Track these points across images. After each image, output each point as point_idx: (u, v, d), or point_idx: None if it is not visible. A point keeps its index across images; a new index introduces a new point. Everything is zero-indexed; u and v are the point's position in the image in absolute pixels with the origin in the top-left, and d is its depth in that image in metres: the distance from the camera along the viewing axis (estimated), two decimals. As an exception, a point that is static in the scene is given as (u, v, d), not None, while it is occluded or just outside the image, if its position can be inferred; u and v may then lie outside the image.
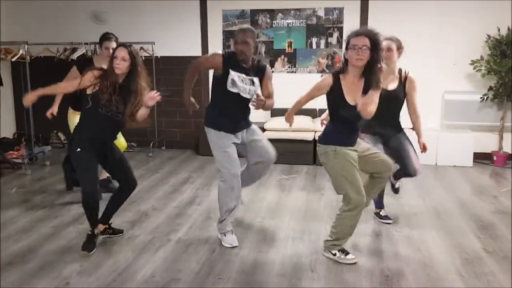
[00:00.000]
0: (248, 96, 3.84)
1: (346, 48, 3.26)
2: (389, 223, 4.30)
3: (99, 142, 3.68)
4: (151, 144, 7.32)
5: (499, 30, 6.22)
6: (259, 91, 3.92)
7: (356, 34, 3.23)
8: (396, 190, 4.59)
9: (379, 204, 4.43)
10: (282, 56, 7.11)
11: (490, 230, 4.19)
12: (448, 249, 3.78)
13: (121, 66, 3.54)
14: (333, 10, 6.90)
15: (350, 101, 3.27)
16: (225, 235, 3.88)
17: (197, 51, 7.38)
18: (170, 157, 7.13)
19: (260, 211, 4.70)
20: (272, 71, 6.89)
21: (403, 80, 4.01)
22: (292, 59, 7.11)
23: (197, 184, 5.68)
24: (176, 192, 5.37)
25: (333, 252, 3.56)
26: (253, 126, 4.05)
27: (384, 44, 3.71)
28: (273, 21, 7.08)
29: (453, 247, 3.81)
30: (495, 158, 6.41)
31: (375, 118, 3.24)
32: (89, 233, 3.75)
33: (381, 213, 4.40)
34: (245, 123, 3.97)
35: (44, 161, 6.73)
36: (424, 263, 3.52)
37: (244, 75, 3.78)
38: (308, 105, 6.63)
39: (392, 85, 3.97)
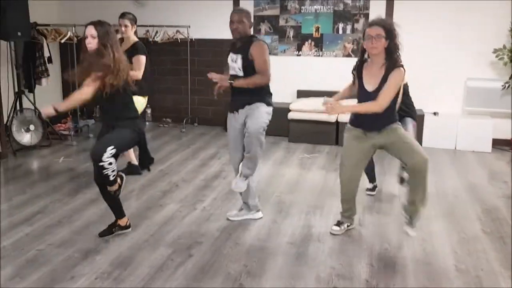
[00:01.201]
0: (234, 73, 3.89)
1: (363, 38, 3.49)
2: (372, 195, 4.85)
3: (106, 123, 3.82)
4: (184, 121, 7.85)
5: (522, 19, 6.36)
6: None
7: (370, 24, 3.47)
8: (402, 180, 4.79)
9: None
10: (309, 40, 7.44)
11: (493, 213, 4.49)
12: (448, 228, 4.13)
13: (91, 44, 3.50)
14: (360, -3, 7.15)
15: (368, 87, 3.50)
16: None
17: (229, 34, 7.71)
18: (201, 133, 7.63)
19: (279, 186, 5.14)
20: (299, 54, 7.16)
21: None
22: (319, 44, 7.43)
23: (224, 159, 6.16)
24: (205, 166, 5.87)
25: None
26: (254, 110, 3.89)
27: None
28: (302, 7, 7.39)
29: (453, 227, 4.15)
30: (512, 147, 6.62)
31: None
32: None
33: (368, 186, 4.92)
34: (242, 101, 3.93)
35: (88, 134, 7.35)
36: (423, 238, 3.90)
37: (233, 55, 3.91)
38: (333, 88, 7.03)
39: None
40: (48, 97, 7.90)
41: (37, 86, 7.20)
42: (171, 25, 7.61)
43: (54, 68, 8.03)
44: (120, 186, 3.81)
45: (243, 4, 7.59)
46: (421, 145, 6.21)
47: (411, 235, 3.72)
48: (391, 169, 5.73)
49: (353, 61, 7.26)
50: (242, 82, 3.84)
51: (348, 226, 4.02)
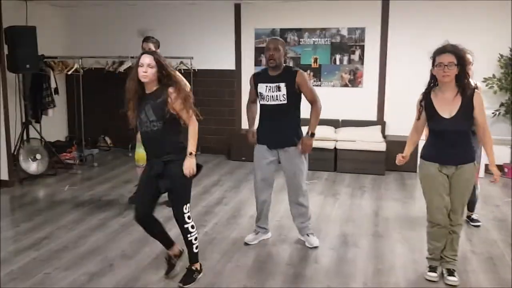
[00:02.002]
0: (275, 102, 4.04)
1: (433, 65, 3.36)
2: (478, 226, 4.79)
3: (152, 160, 3.52)
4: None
5: (511, 50, 6.62)
6: (284, 92, 4.04)
7: (441, 51, 3.30)
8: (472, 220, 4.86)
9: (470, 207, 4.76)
10: (308, 71, 7.69)
11: (483, 234, 4.64)
12: (440, 249, 4.26)
13: (148, 73, 3.33)
14: (355, 30, 7.44)
15: (444, 114, 3.36)
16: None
17: (231, 65, 8.07)
18: (204, 161, 7.74)
19: (279, 211, 5.29)
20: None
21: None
22: (318, 74, 7.69)
23: (226, 186, 6.33)
24: (207, 193, 6.04)
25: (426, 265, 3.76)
26: (292, 150, 4.13)
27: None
28: (301, 39, 7.68)
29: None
30: (506, 170, 6.78)
31: None
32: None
33: (472, 216, 4.87)
34: (281, 139, 4.13)
35: (92, 163, 7.55)
36: (414, 260, 4.04)
37: (270, 84, 4.05)
38: (331, 116, 7.24)
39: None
40: (54, 127, 8.17)
41: (43, 116, 7.42)
42: (175, 56, 7.88)
43: (61, 99, 8.30)
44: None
45: (245, 37, 7.92)
46: (416, 171, 6.39)
47: (455, 281, 3.59)
48: (387, 194, 5.90)
49: (350, 90, 7.63)
50: (314, 125, 4.11)
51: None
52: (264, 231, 4.50)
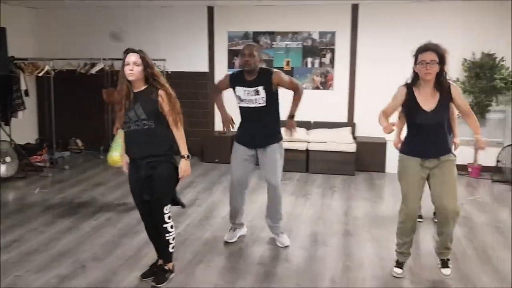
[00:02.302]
0: (254, 105, 4.14)
1: (415, 63, 3.45)
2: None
3: (138, 160, 3.49)
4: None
5: (473, 54, 6.85)
6: (263, 96, 4.11)
7: (424, 49, 3.40)
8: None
9: None
10: (281, 74, 7.79)
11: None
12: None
13: (135, 71, 3.36)
14: (326, 34, 7.58)
15: (426, 108, 3.45)
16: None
17: (204, 67, 8.11)
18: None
19: (252, 212, 5.35)
20: None
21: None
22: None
23: (199, 188, 6.38)
24: (180, 194, 6.02)
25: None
26: (271, 147, 4.23)
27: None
28: (273, 42, 7.78)
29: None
30: (470, 169, 7.01)
31: None
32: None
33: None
34: (262, 140, 4.23)
35: (63, 165, 7.48)
36: (382, 257, 4.16)
37: (248, 88, 4.13)
38: (303, 118, 7.35)
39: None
40: (24, 130, 8.07)
41: (13, 119, 7.32)
42: (147, 59, 7.87)
43: (31, 101, 8.21)
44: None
45: (218, 40, 7.98)
46: (384, 171, 6.57)
47: (447, 274, 3.70)
48: (357, 194, 6.05)
49: (322, 93, 7.75)
50: (295, 108, 4.34)
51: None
52: (240, 226, 4.59)
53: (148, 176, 3.45)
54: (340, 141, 7.17)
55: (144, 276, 3.73)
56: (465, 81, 6.82)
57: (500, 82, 6.56)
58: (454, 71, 6.97)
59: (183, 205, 3.87)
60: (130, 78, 3.37)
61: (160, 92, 3.41)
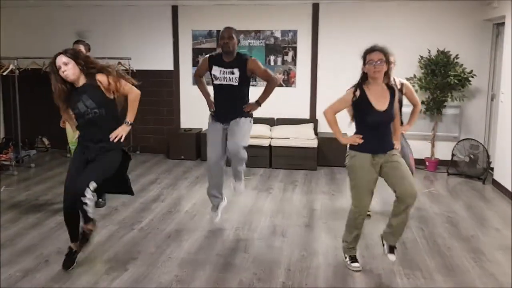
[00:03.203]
0: (227, 83, 4.40)
1: (364, 63, 3.62)
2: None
3: (90, 145, 3.68)
4: (126, 149, 8.10)
5: (429, 52, 7.16)
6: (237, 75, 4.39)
7: (371, 50, 3.59)
8: None
9: None
10: (245, 71, 7.97)
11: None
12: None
13: (67, 72, 3.50)
14: (288, 32, 7.79)
15: (378, 107, 3.61)
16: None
17: (169, 66, 8.22)
18: (143, 160, 7.94)
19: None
20: None
21: (400, 87, 4.81)
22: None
23: (163, 184, 6.50)
24: (144, 190, 6.19)
25: (345, 256, 3.99)
26: (239, 119, 4.47)
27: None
28: (237, 40, 7.93)
29: (363, 236, 4.60)
30: (427, 163, 7.31)
31: None
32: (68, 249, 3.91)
33: None
34: (233, 114, 4.48)
35: (29, 164, 7.50)
36: (336, 247, 4.37)
37: (224, 69, 4.40)
38: (267, 115, 7.54)
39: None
40: (-11, 129, 8.04)
41: (-23, 118, 7.32)
42: (113, 57, 7.95)
43: (-5, 100, 8.19)
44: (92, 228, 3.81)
45: (182, 39, 8.10)
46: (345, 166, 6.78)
47: (393, 260, 3.84)
48: (317, 188, 6.27)
49: (285, 90, 7.93)
50: (264, 97, 4.63)
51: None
52: (220, 200, 4.76)
53: (95, 158, 3.64)
54: (302, 137, 7.38)
55: (66, 267, 3.82)
56: (422, 77, 7.11)
57: (453, 79, 6.87)
58: (411, 68, 7.29)
59: (132, 193, 4.13)
60: (69, 80, 3.53)
61: (98, 77, 3.57)
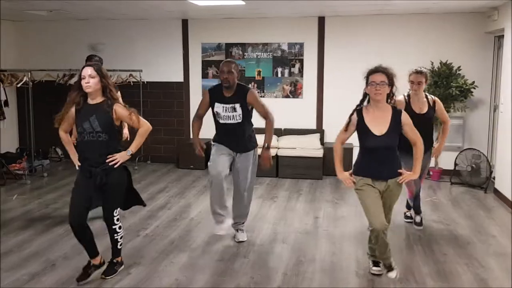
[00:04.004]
0: (231, 121, 4.42)
1: (366, 84, 3.57)
2: (419, 229, 5.05)
3: (92, 168, 3.70)
4: (136, 158, 8.33)
5: (432, 64, 7.25)
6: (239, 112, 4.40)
7: (374, 71, 3.53)
8: (418, 224, 5.16)
9: (416, 210, 5.16)
10: (252, 83, 8.15)
11: (402, 229, 5.14)
12: (356, 241, 4.72)
13: (90, 83, 3.56)
14: (295, 45, 7.96)
15: (375, 132, 3.54)
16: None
17: (179, 78, 8.44)
18: (153, 170, 8.13)
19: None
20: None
21: (432, 104, 4.81)
22: (261, 86, 8.17)
23: (172, 192, 6.67)
24: (152, 199, 6.36)
25: (369, 260, 4.04)
26: (248, 154, 4.55)
27: (415, 78, 4.70)
28: (245, 53, 8.14)
29: (360, 241, 4.67)
30: (431, 173, 7.38)
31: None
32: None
33: (407, 213, 5.34)
34: (239, 147, 4.51)
35: (42, 173, 7.73)
36: (333, 252, 4.49)
37: (226, 105, 4.40)
38: (274, 126, 7.68)
39: (424, 109, 4.75)
40: (4, 139, 8.32)
41: (-7, 128, 7.58)
42: (124, 69, 8.20)
43: (12, 112, 8.47)
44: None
45: (192, 51, 8.32)
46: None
47: (394, 277, 3.84)
48: (321, 196, 6.38)
49: (291, 101, 8.08)
50: (269, 138, 4.53)
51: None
52: (224, 217, 4.65)
53: (103, 184, 3.69)
54: (309, 147, 7.51)
55: (79, 279, 3.87)
56: (425, 89, 7.17)
57: (455, 90, 6.95)
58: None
59: (144, 204, 4.23)
60: (87, 90, 3.58)
61: (115, 107, 3.65)
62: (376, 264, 4.00)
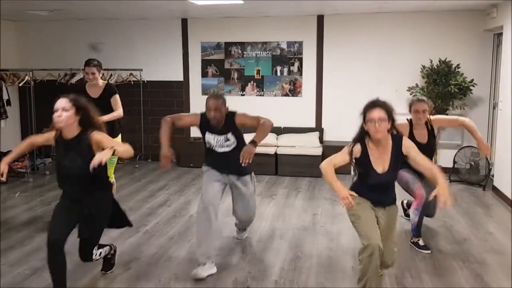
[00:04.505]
0: (224, 150, 4.16)
1: (364, 121, 3.28)
2: (428, 253, 4.46)
3: (71, 200, 3.45)
4: (137, 157, 8.40)
5: (431, 62, 7.29)
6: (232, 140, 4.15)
7: (371, 106, 3.23)
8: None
9: (416, 233, 4.58)
10: (252, 82, 8.21)
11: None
12: (353, 237, 4.72)
13: (62, 118, 3.19)
14: (294, 43, 8.01)
15: (378, 169, 3.30)
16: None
17: (179, 76, 8.50)
18: (154, 168, 8.19)
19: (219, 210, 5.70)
20: (243, 94, 7.63)
21: (431, 128, 4.56)
22: (260, 84, 8.21)
23: (171, 190, 6.73)
24: (152, 196, 6.42)
25: None
26: (246, 178, 4.30)
27: (419, 106, 4.42)
28: (244, 52, 8.19)
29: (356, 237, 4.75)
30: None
31: None
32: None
33: (419, 242, 4.57)
34: (233, 170, 4.21)
35: (44, 171, 7.80)
36: (330, 248, 4.54)
37: (219, 136, 4.14)
38: (274, 124, 7.77)
39: (424, 138, 4.52)
40: (6, 138, 8.39)
41: (-4, 127, 7.66)
42: (124, 68, 8.26)
43: (14, 111, 8.55)
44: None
45: (191, 50, 8.37)
46: (350, 173, 6.89)
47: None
48: (319, 194, 6.43)
49: (291, 100, 8.13)
50: (259, 136, 4.04)
51: None
52: (210, 262, 4.04)
53: (90, 214, 3.39)
54: (308, 145, 7.56)
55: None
56: (424, 86, 7.25)
57: (454, 88, 6.99)
58: (413, 78, 7.43)
59: (130, 224, 3.93)
60: (57, 126, 3.23)
61: (94, 136, 3.27)
62: None
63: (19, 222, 5.35)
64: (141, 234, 4.98)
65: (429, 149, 4.41)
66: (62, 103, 3.21)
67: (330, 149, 7.50)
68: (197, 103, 8.41)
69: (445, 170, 7.33)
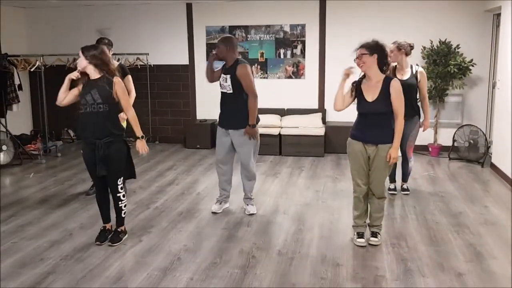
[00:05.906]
0: (224, 91, 4.77)
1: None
2: (407, 194, 5.56)
3: (89, 140, 4.11)
4: (145, 139, 8.60)
5: (431, 42, 7.44)
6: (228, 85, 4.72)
7: (358, 47, 4.01)
8: (405, 189, 5.66)
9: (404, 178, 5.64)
10: (256, 65, 8.38)
11: (399, 201, 5.41)
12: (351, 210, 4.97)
13: (78, 63, 4.07)
14: (297, 26, 8.17)
15: (368, 98, 3.97)
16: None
17: (185, 60, 8.68)
18: (161, 150, 8.43)
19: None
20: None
21: (415, 73, 5.25)
22: (264, 67, 8.39)
23: (179, 170, 6.97)
24: (161, 176, 6.67)
25: (354, 232, 4.31)
26: (240, 132, 4.76)
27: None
28: (248, 35, 8.36)
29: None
30: (430, 149, 7.61)
31: None
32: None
33: (390, 186, 5.62)
34: (231, 122, 4.78)
35: (56, 153, 8.06)
36: (331, 221, 4.77)
37: (224, 75, 4.76)
38: (277, 106, 7.96)
39: (405, 76, 5.20)
40: (19, 122, 8.64)
41: (8, 111, 7.89)
42: (131, 52, 8.46)
43: (25, 95, 8.79)
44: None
45: (196, 34, 8.55)
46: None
47: (376, 243, 4.17)
48: (322, 172, 6.64)
49: (294, 82, 8.32)
50: (251, 117, 4.71)
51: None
52: (226, 199, 5.18)
53: (105, 155, 4.07)
54: (311, 126, 7.76)
55: (100, 241, 4.32)
56: (425, 67, 7.39)
57: (454, 68, 7.15)
58: (415, 59, 7.51)
59: (134, 176, 4.61)
60: (78, 68, 4.08)
61: (115, 80, 4.04)
62: (360, 236, 4.23)
63: (34, 200, 5.62)
64: (151, 210, 5.23)
65: (408, 87, 4.84)
66: (80, 53, 4.03)
67: (332, 130, 7.75)
68: (203, 86, 8.61)
69: (445, 148, 7.54)
